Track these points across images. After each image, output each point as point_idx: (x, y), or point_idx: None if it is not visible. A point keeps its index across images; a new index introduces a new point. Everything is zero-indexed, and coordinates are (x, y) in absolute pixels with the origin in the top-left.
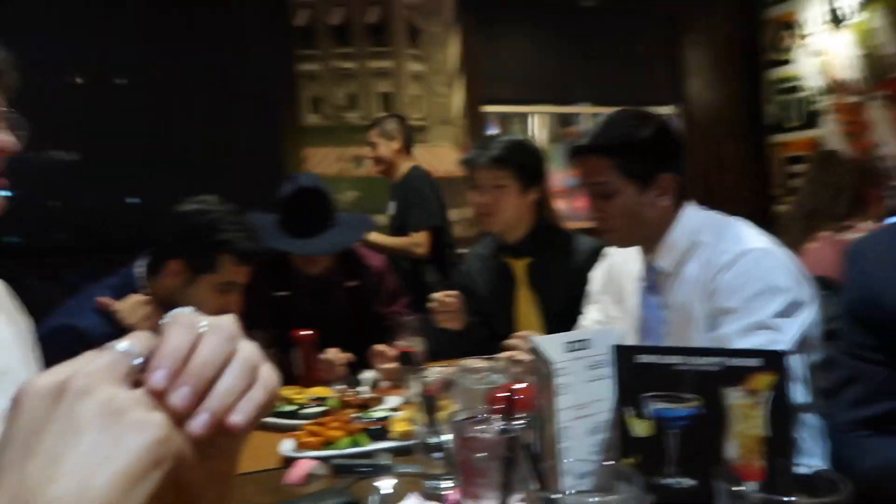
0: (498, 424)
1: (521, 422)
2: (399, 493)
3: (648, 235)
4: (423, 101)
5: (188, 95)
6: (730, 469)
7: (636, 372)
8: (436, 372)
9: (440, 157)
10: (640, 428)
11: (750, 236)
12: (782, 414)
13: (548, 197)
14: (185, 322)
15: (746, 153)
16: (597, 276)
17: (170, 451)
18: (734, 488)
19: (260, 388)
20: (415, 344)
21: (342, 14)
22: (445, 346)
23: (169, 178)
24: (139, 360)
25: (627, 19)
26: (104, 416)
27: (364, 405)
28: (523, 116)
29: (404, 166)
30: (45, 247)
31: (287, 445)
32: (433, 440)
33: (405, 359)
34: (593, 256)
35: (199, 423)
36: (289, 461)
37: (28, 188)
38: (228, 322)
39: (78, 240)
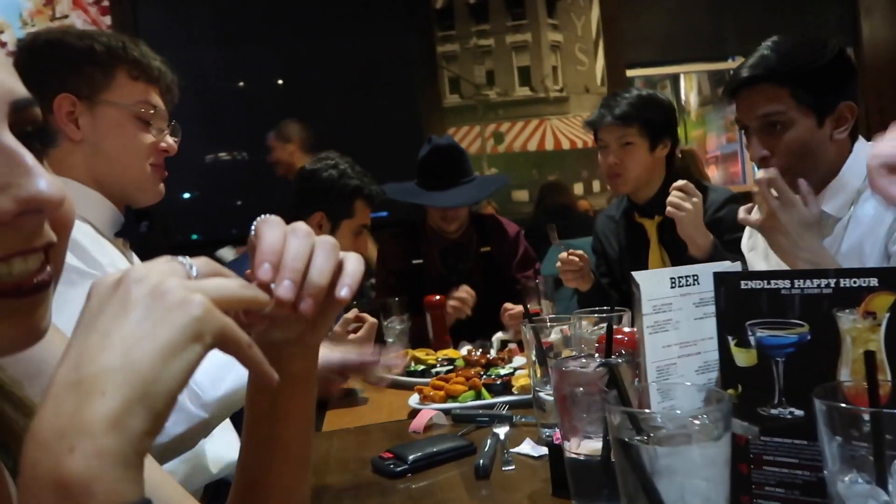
0: (596, 361)
1: (620, 358)
2: (514, 438)
3: (821, 176)
4: (562, 72)
5: (336, 86)
6: (842, 393)
7: (739, 299)
8: (553, 326)
9: (580, 129)
10: (743, 357)
11: None
12: None
13: (696, 157)
14: (273, 221)
15: None
16: (745, 234)
17: (210, 327)
18: (843, 405)
19: (354, 262)
20: (542, 306)
21: None
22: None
23: None
24: (195, 272)
25: None
26: (151, 297)
27: (490, 364)
28: (672, 78)
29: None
30: (222, 240)
31: (414, 398)
32: (547, 390)
33: (530, 319)
34: (725, 205)
35: (306, 304)
36: (415, 413)
37: (205, 189)
38: (302, 224)
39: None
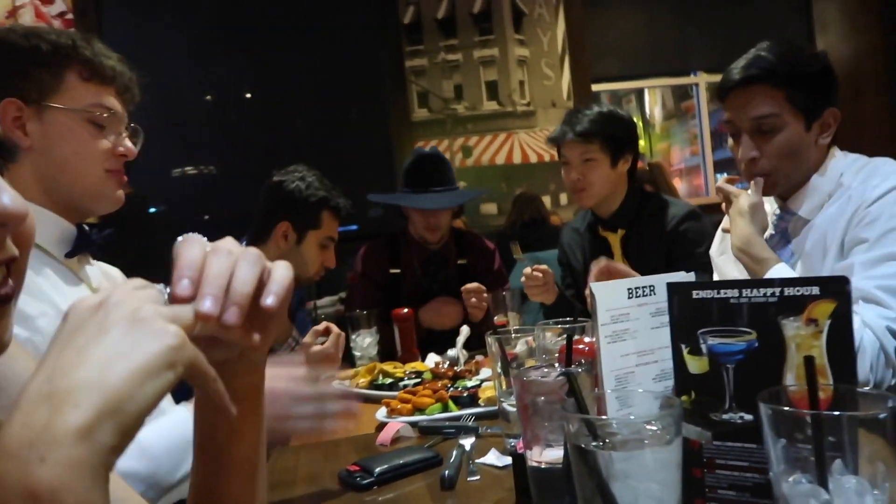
0: (556, 370)
1: (580, 368)
2: (480, 449)
3: (801, 178)
4: (529, 86)
5: (305, 99)
6: (787, 397)
7: (691, 308)
8: (518, 338)
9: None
10: (695, 365)
11: None
12: (844, 342)
13: (663, 170)
14: (193, 239)
15: (892, 108)
16: (715, 240)
17: (182, 358)
18: (785, 408)
19: (282, 269)
20: (509, 318)
21: (447, 7)
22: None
23: None
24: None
25: None
26: (129, 321)
27: (458, 377)
28: (637, 93)
29: None
30: None
31: (381, 412)
32: (511, 401)
33: (496, 331)
34: (685, 220)
35: (230, 315)
36: (382, 426)
37: (176, 203)
38: (227, 240)
39: None
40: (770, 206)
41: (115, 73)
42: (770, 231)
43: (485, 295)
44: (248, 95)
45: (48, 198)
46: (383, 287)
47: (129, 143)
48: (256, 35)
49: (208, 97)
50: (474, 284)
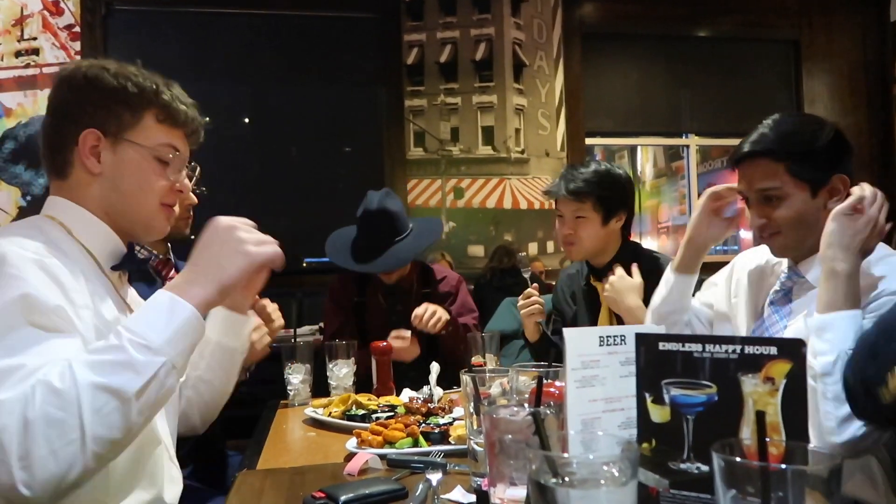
0: (525, 410)
1: (549, 409)
2: (446, 485)
3: (814, 242)
4: (524, 135)
5: (303, 129)
6: (741, 450)
7: (657, 359)
8: (493, 378)
9: (539, 190)
10: (658, 413)
11: None
12: (798, 401)
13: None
14: None
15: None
16: (723, 271)
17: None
18: (736, 459)
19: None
20: (486, 359)
21: (450, 52)
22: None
23: (287, 206)
24: None
25: (742, 46)
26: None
27: (431, 413)
28: (630, 149)
29: None
30: None
31: (352, 442)
32: (480, 440)
33: (470, 370)
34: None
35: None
36: (351, 456)
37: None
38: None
39: None
40: (782, 262)
41: (186, 118)
42: (776, 287)
43: (407, 335)
44: (247, 120)
45: (108, 219)
46: (349, 311)
47: (186, 181)
48: (260, 60)
49: (206, 118)
50: (420, 312)
